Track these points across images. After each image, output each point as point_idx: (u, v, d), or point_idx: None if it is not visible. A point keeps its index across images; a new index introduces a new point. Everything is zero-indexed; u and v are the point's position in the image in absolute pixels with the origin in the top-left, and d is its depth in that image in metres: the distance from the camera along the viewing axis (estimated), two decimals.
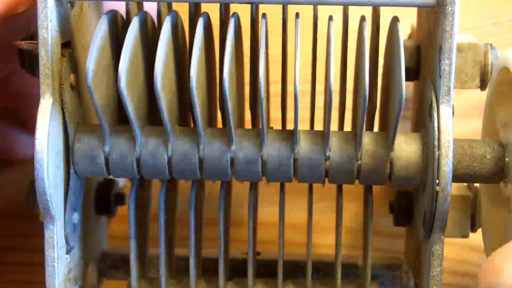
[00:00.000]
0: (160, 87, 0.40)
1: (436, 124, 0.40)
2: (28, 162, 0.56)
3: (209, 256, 0.50)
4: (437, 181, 0.40)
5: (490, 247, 0.47)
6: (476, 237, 0.57)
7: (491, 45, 0.47)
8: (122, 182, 0.54)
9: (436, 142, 0.40)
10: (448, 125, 0.40)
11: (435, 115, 0.41)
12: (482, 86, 0.47)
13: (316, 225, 0.47)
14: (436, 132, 0.40)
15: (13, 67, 0.50)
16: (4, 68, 0.50)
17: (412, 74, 0.48)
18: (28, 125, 0.55)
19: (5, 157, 0.57)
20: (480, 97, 0.49)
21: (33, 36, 0.47)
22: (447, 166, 0.40)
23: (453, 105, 0.41)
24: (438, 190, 0.40)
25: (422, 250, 0.44)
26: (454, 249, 0.58)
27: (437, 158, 0.40)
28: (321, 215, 0.50)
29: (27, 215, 0.58)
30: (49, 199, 0.41)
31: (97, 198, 0.50)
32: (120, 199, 0.51)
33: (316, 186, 0.46)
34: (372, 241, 0.45)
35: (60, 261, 0.43)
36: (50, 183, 0.41)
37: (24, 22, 0.46)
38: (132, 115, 0.41)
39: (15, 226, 0.60)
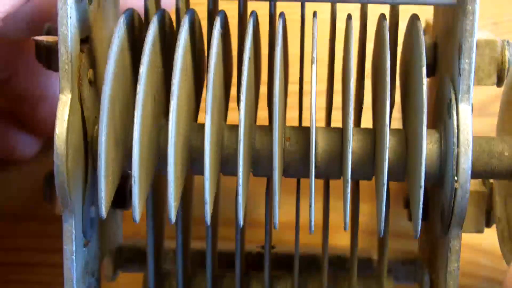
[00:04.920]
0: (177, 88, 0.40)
1: (455, 122, 0.41)
2: (28, 163, 0.57)
3: (225, 250, 0.51)
4: (455, 178, 0.40)
5: (505, 243, 0.47)
6: (488, 241, 0.57)
7: (508, 41, 0.47)
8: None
9: (455, 140, 0.40)
10: (467, 123, 0.40)
11: (454, 112, 0.41)
12: (499, 83, 0.47)
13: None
14: (456, 130, 0.40)
15: (15, 68, 0.50)
16: (6, 68, 0.50)
17: (429, 70, 0.47)
18: (29, 127, 0.55)
19: (5, 158, 0.57)
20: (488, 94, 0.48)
21: (49, 31, 0.47)
22: (466, 163, 0.40)
23: (472, 103, 0.41)
24: (456, 187, 0.40)
25: (439, 246, 0.44)
26: (466, 252, 0.58)
27: (456, 155, 0.40)
28: (334, 214, 0.50)
29: (27, 215, 0.58)
30: (68, 194, 0.41)
31: None
32: None
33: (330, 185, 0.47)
34: (389, 233, 0.46)
35: (78, 254, 0.43)
36: (69, 178, 0.41)
37: (23, 19, 0.46)
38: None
39: (15, 226, 0.60)
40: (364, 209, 0.58)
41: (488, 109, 0.51)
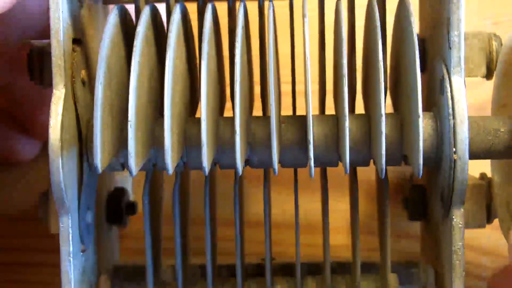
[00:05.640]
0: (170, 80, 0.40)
1: (449, 95, 0.41)
2: (28, 164, 0.58)
3: (224, 263, 0.50)
4: (454, 149, 0.40)
5: (507, 225, 0.46)
6: (488, 241, 0.56)
7: (494, 34, 0.48)
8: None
9: (450, 111, 0.40)
10: (461, 94, 0.41)
11: (448, 86, 0.41)
12: (489, 75, 0.47)
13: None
14: (450, 102, 0.40)
15: (12, 77, 0.51)
16: (7, 73, 0.50)
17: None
18: (29, 129, 0.55)
19: (6, 159, 0.57)
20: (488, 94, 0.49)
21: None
22: (463, 133, 0.40)
23: (464, 75, 0.41)
24: (455, 158, 0.40)
25: (441, 230, 0.44)
26: (466, 252, 0.57)
27: (452, 126, 0.40)
28: (334, 214, 0.50)
29: (27, 216, 0.58)
30: (64, 190, 0.41)
31: (108, 207, 0.50)
32: (131, 208, 0.51)
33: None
34: (390, 227, 0.45)
35: (75, 257, 0.42)
36: (64, 174, 0.41)
37: (16, 28, 0.47)
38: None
39: (14, 227, 0.59)
40: (364, 209, 0.57)
41: (488, 109, 0.51)
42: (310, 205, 0.54)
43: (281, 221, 0.55)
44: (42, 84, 0.47)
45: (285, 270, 0.49)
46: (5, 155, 0.57)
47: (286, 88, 0.48)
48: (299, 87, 0.46)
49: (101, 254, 0.47)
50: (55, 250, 0.42)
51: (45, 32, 0.43)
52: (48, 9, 0.41)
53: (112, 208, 0.50)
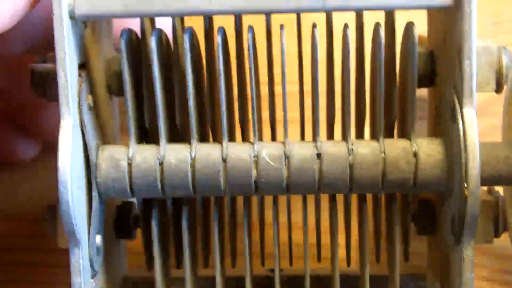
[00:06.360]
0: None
1: (460, 127, 0.40)
2: (29, 165, 0.58)
3: (232, 275, 0.50)
4: (465, 184, 0.40)
5: None
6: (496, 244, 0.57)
7: (504, 47, 0.47)
8: None
9: (462, 145, 0.40)
10: (473, 127, 0.40)
11: (459, 117, 0.40)
12: (498, 89, 0.47)
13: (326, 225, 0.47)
14: (462, 134, 0.40)
15: (13, 81, 0.50)
16: (9, 78, 0.51)
17: (426, 80, 0.47)
18: (29, 131, 0.56)
19: (5, 160, 0.58)
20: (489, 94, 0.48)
21: (45, 61, 0.47)
22: (475, 169, 0.40)
23: (476, 107, 0.41)
24: (467, 194, 0.40)
25: (451, 258, 0.44)
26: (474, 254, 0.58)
27: (464, 161, 0.40)
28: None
29: (27, 216, 0.59)
30: (74, 223, 0.41)
31: (117, 221, 0.50)
32: (139, 221, 0.51)
33: None
34: (399, 251, 0.45)
35: (86, 287, 0.42)
36: (74, 206, 0.40)
37: (19, 37, 0.46)
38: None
39: (14, 226, 0.60)
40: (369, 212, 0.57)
41: (489, 109, 0.51)
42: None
43: (285, 223, 0.55)
44: (45, 98, 0.46)
45: (293, 283, 0.50)
46: (5, 155, 0.57)
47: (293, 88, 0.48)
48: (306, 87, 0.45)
49: (111, 269, 0.48)
50: (55, 250, 0.43)
51: (49, 39, 0.43)
52: (51, 16, 0.40)
53: (121, 222, 0.50)
